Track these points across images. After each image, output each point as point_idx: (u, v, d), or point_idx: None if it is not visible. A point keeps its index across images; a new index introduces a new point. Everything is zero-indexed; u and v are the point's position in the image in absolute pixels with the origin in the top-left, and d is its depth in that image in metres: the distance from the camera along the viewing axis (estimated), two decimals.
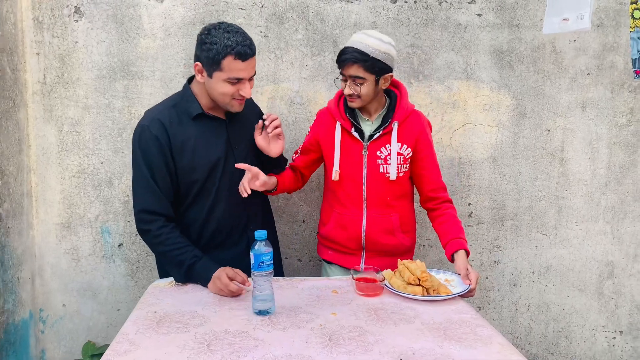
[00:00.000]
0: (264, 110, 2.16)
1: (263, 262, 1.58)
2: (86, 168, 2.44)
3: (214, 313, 1.62)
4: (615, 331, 2.77)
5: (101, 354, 2.35)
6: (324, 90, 2.48)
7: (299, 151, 2.16)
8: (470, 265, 1.89)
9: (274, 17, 2.42)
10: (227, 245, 1.93)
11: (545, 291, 2.73)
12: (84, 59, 2.38)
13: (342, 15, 2.45)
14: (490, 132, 2.60)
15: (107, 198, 2.46)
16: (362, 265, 2.06)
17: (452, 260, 1.94)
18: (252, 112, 2.05)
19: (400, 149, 1.98)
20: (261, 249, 1.59)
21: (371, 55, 1.84)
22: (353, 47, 1.85)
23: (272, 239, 2.08)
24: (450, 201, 2.08)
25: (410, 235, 2.13)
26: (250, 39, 1.75)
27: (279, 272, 2.19)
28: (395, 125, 1.96)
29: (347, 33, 2.45)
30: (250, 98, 2.09)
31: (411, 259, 1.98)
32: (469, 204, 2.63)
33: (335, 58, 1.92)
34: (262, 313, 1.60)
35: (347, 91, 1.90)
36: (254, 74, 1.82)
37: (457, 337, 1.46)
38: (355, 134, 1.99)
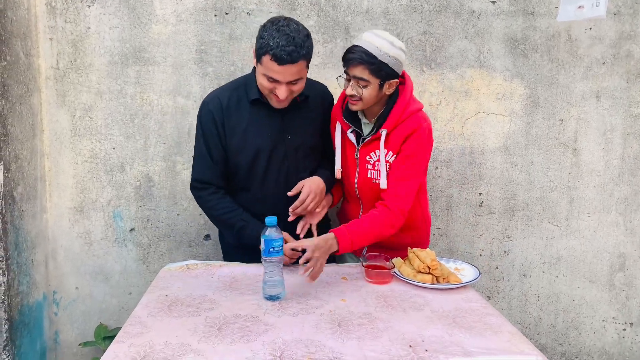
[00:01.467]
0: None
1: (274, 248, 1.59)
2: (98, 153, 2.45)
3: (225, 297, 1.64)
4: (625, 323, 2.76)
5: (113, 337, 2.38)
6: (335, 77, 2.47)
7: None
8: (319, 245, 1.73)
9: (286, 4, 2.41)
10: None
11: (555, 282, 2.72)
12: (96, 45, 2.38)
13: (354, 1, 2.43)
14: (503, 121, 2.57)
15: (119, 183, 2.48)
16: (363, 253, 2.08)
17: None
18: (319, 102, 2.04)
19: (386, 155, 1.89)
20: (272, 235, 1.60)
21: (379, 59, 1.75)
22: (361, 47, 1.76)
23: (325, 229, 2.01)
24: (390, 209, 1.86)
25: (411, 233, 2.03)
26: (297, 45, 1.69)
27: (331, 258, 2.19)
28: (383, 133, 1.87)
29: (360, 20, 2.44)
30: (324, 86, 2.12)
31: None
32: (480, 194, 2.62)
33: (347, 47, 1.85)
34: (272, 298, 1.62)
35: (349, 91, 1.82)
36: (298, 79, 1.77)
37: (467, 325, 1.46)
38: (351, 136, 1.97)
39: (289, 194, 1.91)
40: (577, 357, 2.78)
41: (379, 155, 1.90)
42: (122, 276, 2.55)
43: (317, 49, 2.44)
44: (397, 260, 1.88)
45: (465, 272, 1.86)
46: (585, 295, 2.74)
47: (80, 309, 2.56)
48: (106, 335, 2.46)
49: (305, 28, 1.77)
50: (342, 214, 2.21)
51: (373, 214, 1.86)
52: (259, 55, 1.74)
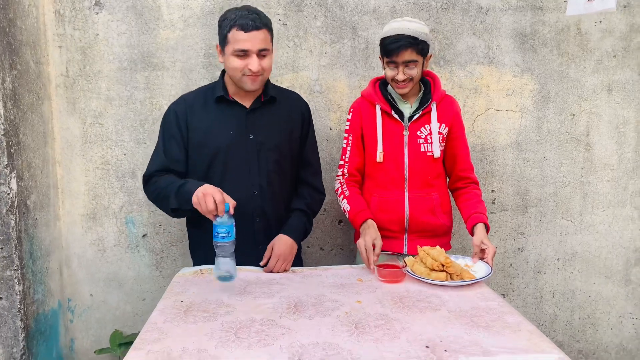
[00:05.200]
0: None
1: (218, 233, 1.65)
2: (110, 160, 2.46)
3: (240, 302, 1.63)
4: None
5: (128, 343, 2.39)
6: (343, 77, 2.46)
7: (346, 158, 2.12)
8: (488, 240, 1.90)
9: (293, 5, 2.41)
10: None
11: (570, 278, 2.69)
12: (105, 51, 2.39)
13: (361, 1, 2.42)
14: (514, 117, 2.56)
15: (131, 189, 2.48)
16: (405, 249, 2.10)
17: (472, 234, 1.98)
18: (291, 105, 2.03)
19: (439, 127, 2.05)
20: (220, 220, 1.65)
21: (420, 38, 1.90)
22: (403, 34, 1.89)
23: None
24: (477, 183, 2.14)
25: (449, 216, 2.16)
26: (258, 15, 1.80)
27: (298, 261, 2.18)
28: (434, 106, 2.03)
29: (367, 19, 2.43)
30: (298, 95, 2.11)
31: (450, 241, 2.18)
32: (493, 191, 2.60)
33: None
34: (221, 279, 1.70)
35: (400, 77, 1.94)
36: (265, 50, 1.81)
37: (485, 325, 1.45)
38: (396, 116, 2.04)
39: (261, 264, 1.91)
40: (594, 354, 2.75)
41: (429, 129, 2.03)
42: (135, 282, 2.56)
43: (325, 49, 2.44)
44: (408, 259, 1.86)
45: (476, 267, 1.85)
46: (601, 291, 2.71)
47: (95, 315, 2.56)
48: (121, 342, 2.46)
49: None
50: (374, 207, 2.09)
51: (476, 193, 2.08)
52: (225, 37, 1.79)
